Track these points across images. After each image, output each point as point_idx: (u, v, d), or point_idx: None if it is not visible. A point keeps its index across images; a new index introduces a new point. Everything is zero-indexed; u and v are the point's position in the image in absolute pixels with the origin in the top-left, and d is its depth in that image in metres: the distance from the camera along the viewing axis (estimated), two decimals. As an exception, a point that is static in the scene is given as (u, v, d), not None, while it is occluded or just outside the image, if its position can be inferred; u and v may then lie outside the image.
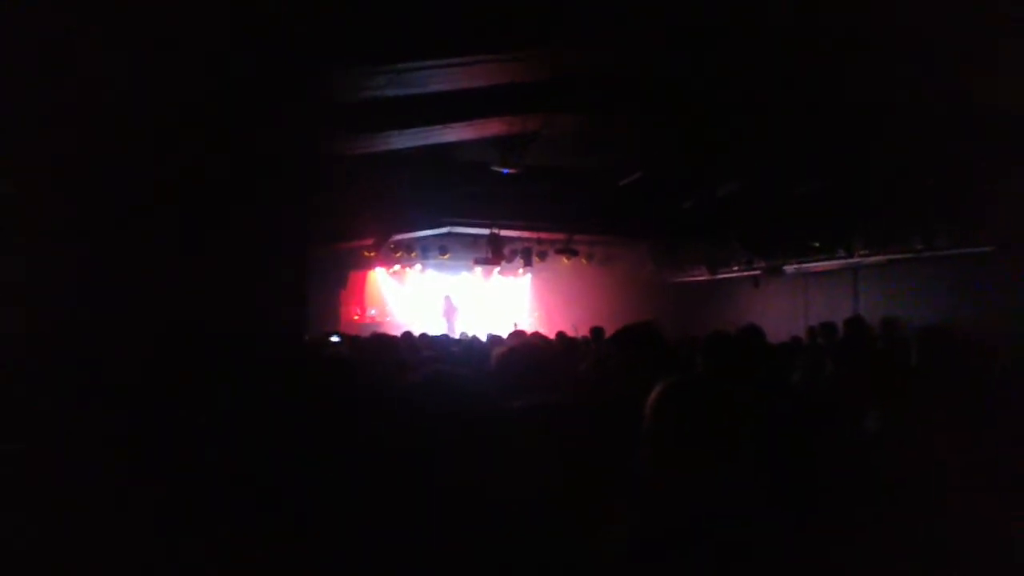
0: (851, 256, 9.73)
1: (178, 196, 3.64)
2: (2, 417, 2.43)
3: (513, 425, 1.63)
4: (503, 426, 1.59)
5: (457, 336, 10.39)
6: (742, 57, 5.30)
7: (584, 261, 14.16)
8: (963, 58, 4.60)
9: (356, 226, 10.52)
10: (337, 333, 7.89)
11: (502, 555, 1.35)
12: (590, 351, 6.31)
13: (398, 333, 7.46)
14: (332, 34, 4.21)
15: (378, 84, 5.11)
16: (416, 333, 7.43)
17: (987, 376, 3.16)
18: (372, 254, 13.01)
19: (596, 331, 7.81)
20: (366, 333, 7.90)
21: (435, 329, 11.17)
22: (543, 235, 13.25)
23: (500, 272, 15.68)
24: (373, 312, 15.28)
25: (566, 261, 13.82)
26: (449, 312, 15.09)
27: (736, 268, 12.18)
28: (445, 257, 13.80)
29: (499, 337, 6.95)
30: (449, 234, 13.26)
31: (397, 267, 15.15)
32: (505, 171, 8.73)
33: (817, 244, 10.24)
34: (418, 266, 14.95)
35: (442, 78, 5.36)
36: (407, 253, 13.79)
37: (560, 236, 13.10)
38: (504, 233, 12.47)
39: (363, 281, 15.23)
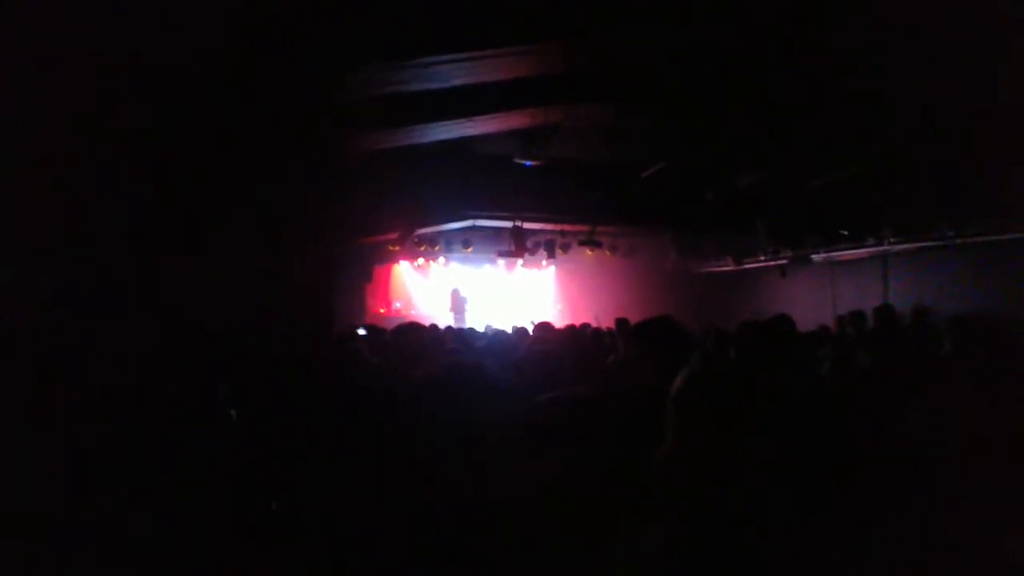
0: (880, 244, 9.57)
1: (200, 197, 3.70)
2: (2, 417, 2.44)
3: (536, 416, 1.64)
4: (525, 416, 1.58)
5: (480, 329, 10.42)
6: (764, 46, 5.24)
7: (608, 253, 14.07)
8: (994, 48, 4.49)
9: (380, 220, 10.59)
10: (364, 326, 7.96)
11: (516, 555, 1.34)
12: (615, 343, 6.31)
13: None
14: (361, 31, 4.26)
15: (404, 79, 5.18)
16: (441, 326, 7.47)
17: (1020, 365, 3.10)
18: (396, 248, 13.07)
19: (620, 322, 7.79)
20: (391, 327, 7.95)
21: (450, 323, 11.16)
22: (566, 227, 13.18)
23: (523, 265, 15.68)
24: (398, 305, 15.40)
25: (589, 253, 13.75)
26: (457, 305, 15.11)
27: (762, 258, 12.03)
28: (468, 250, 13.83)
29: (524, 329, 6.97)
30: (472, 227, 13.26)
31: (421, 261, 15.24)
32: (528, 164, 8.74)
33: (846, 232, 10.08)
34: (441, 259, 15.01)
35: (465, 72, 5.41)
36: (431, 247, 13.84)
37: (583, 228, 13.02)
38: (527, 226, 12.43)
39: (388, 275, 15.35)
